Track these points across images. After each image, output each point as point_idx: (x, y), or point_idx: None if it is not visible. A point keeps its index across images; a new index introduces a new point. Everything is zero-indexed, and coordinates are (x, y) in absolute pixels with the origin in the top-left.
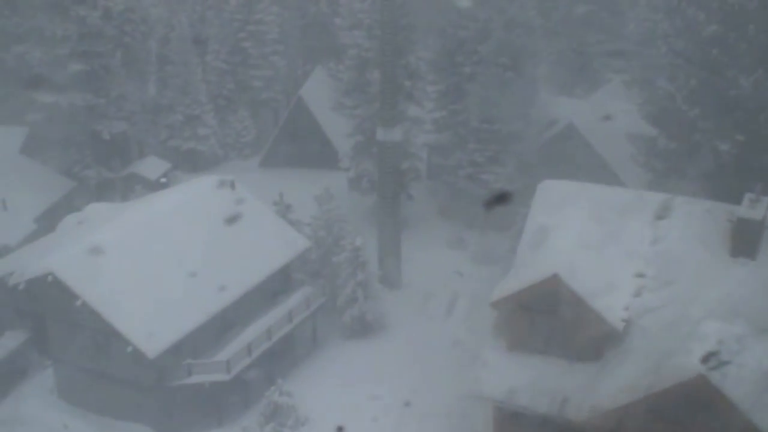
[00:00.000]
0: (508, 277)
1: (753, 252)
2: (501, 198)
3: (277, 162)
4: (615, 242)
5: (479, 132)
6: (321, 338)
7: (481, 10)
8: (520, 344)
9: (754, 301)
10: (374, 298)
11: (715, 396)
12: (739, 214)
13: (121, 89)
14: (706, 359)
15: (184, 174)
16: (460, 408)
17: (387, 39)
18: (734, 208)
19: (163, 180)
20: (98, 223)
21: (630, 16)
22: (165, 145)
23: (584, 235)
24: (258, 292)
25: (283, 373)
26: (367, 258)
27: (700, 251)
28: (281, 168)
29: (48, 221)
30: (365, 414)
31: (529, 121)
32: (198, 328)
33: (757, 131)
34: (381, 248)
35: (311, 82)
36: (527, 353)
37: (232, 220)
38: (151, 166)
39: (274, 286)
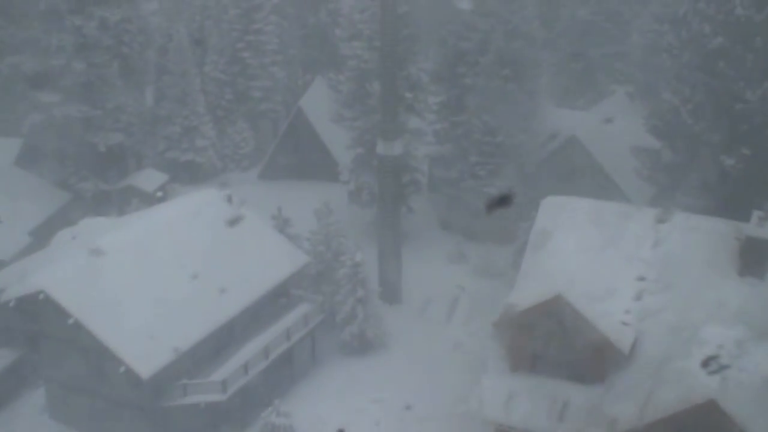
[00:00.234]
0: (510, 297)
1: (762, 272)
2: (503, 201)
3: (276, 174)
4: (618, 257)
5: (481, 144)
6: (320, 355)
7: (483, 21)
8: (522, 364)
9: (755, 306)
10: (374, 315)
11: (724, 421)
12: (748, 232)
13: (117, 100)
14: (706, 363)
15: (181, 186)
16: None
17: (387, 50)
18: (742, 225)
19: (160, 194)
20: (92, 239)
21: (634, 26)
22: (163, 157)
23: (587, 252)
24: (255, 310)
25: (281, 391)
26: (367, 274)
27: (707, 270)
28: (280, 180)
29: (43, 234)
30: (367, 417)
31: (531, 133)
32: (194, 347)
33: (763, 145)
34: (381, 263)
35: (311, 93)
36: (530, 374)
37: (228, 236)
38: (149, 178)
39: (272, 303)
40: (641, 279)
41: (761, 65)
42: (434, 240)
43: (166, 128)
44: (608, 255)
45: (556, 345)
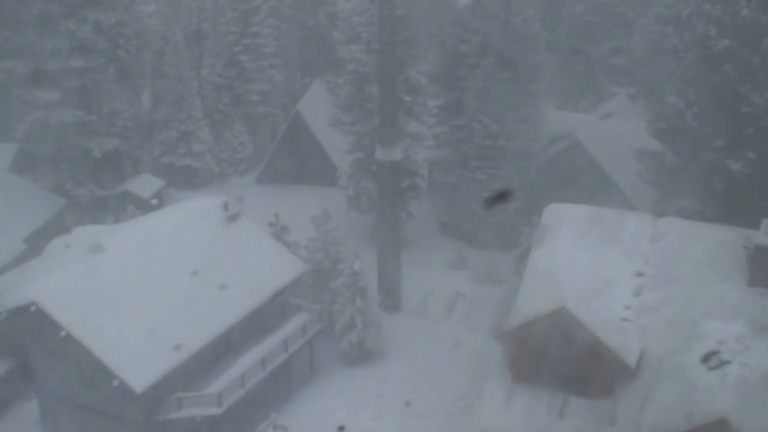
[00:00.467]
0: (513, 308)
1: None
2: (501, 198)
3: (274, 178)
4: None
5: (481, 148)
6: (318, 366)
7: (483, 23)
8: (525, 378)
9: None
10: (373, 324)
11: None
12: (757, 241)
13: (113, 105)
14: (706, 359)
15: (178, 192)
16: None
17: (386, 54)
18: (751, 233)
19: (155, 201)
20: (85, 249)
21: (636, 27)
22: (159, 162)
23: (586, 250)
24: (252, 320)
25: (278, 403)
26: (366, 282)
27: (715, 280)
28: (279, 184)
29: (38, 241)
30: (366, 413)
31: (532, 137)
32: (189, 360)
33: None
34: (380, 272)
35: (309, 96)
36: (533, 387)
37: (224, 246)
38: (145, 184)
39: (269, 313)
40: (640, 275)
41: None
42: (434, 246)
43: (163, 133)
44: (607, 252)
45: (560, 357)
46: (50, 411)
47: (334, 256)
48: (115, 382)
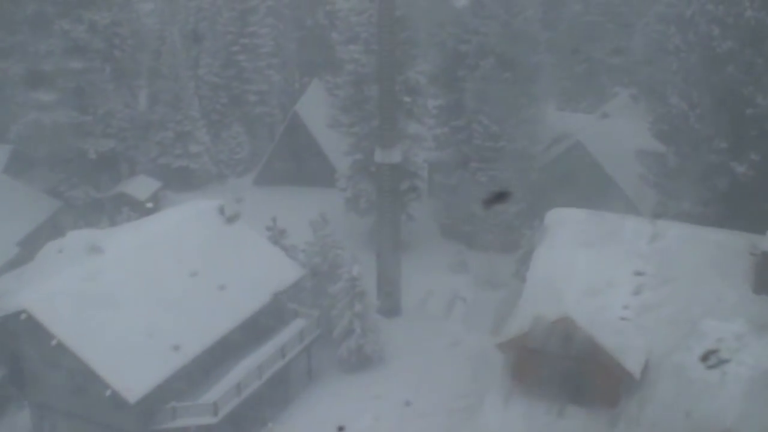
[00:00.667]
0: (515, 314)
1: None
2: (501, 197)
3: (272, 179)
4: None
5: (482, 150)
6: (316, 372)
7: (483, 23)
8: (528, 387)
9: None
10: (372, 330)
11: None
12: (764, 247)
13: (108, 106)
14: (705, 357)
15: (175, 193)
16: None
17: (385, 54)
18: (756, 238)
19: (150, 205)
20: (78, 253)
21: (637, 27)
22: (155, 163)
23: (596, 267)
24: (248, 326)
25: (275, 411)
26: (365, 287)
27: (719, 286)
28: (277, 186)
29: (32, 244)
30: (366, 413)
31: (534, 138)
32: (184, 367)
33: None
34: (380, 275)
35: (307, 97)
36: (535, 397)
37: (219, 251)
38: (141, 186)
39: (266, 319)
40: (639, 274)
41: None
42: (434, 248)
43: (159, 133)
44: (607, 251)
45: (563, 366)
46: (43, 420)
47: (332, 260)
48: (108, 392)
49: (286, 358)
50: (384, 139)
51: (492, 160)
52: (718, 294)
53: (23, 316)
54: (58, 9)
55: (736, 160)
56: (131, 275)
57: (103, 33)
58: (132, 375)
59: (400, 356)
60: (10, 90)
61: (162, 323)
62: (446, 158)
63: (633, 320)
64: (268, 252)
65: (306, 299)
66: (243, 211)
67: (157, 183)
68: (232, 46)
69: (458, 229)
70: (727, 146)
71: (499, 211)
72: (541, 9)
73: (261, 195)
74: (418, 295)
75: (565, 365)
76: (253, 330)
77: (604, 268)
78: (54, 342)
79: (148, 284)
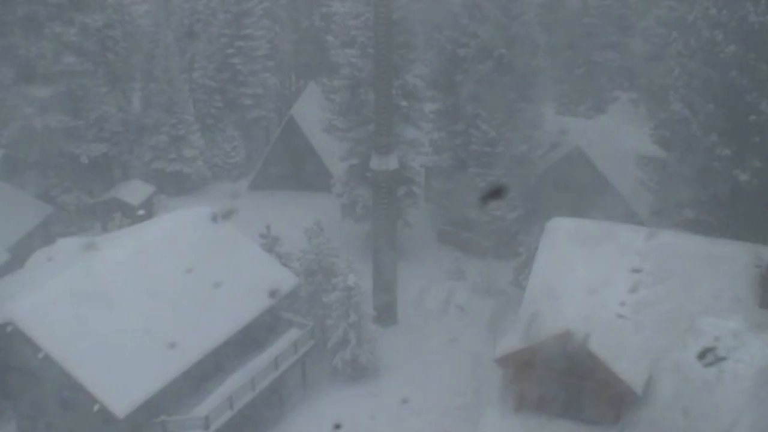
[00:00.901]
0: (514, 329)
1: None
2: (495, 193)
3: (267, 184)
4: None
5: (480, 155)
6: (311, 384)
7: (482, 27)
8: (528, 405)
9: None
10: (368, 340)
11: None
12: None
13: (101, 109)
14: (702, 355)
15: (169, 198)
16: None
17: (381, 58)
18: (762, 250)
19: (141, 212)
20: (66, 264)
21: (637, 30)
22: (149, 167)
23: (593, 265)
24: (241, 337)
25: (269, 425)
26: (361, 297)
27: (725, 300)
28: (272, 190)
29: (23, 250)
30: (362, 411)
31: (532, 143)
32: (174, 381)
33: None
34: (376, 284)
35: (303, 100)
36: (536, 415)
37: (212, 258)
38: (134, 191)
39: (259, 329)
40: (636, 271)
41: None
42: (431, 255)
43: (153, 137)
44: (604, 249)
45: (564, 383)
46: None
47: (327, 269)
48: (96, 407)
49: (279, 370)
50: (380, 146)
51: (490, 165)
52: (715, 291)
53: (9, 329)
54: (49, 11)
55: (739, 168)
56: (122, 284)
57: (96, 35)
58: (121, 389)
59: (396, 366)
60: (1, 93)
61: (154, 332)
62: (443, 163)
63: (630, 318)
64: (262, 260)
65: (300, 308)
66: (237, 216)
67: (150, 188)
68: (227, 49)
69: (455, 235)
70: (730, 153)
71: (497, 217)
72: (539, 11)
73: (256, 200)
74: (415, 303)
75: (566, 381)
76: (246, 340)
77: (601, 266)
78: (41, 355)
79: (138, 292)
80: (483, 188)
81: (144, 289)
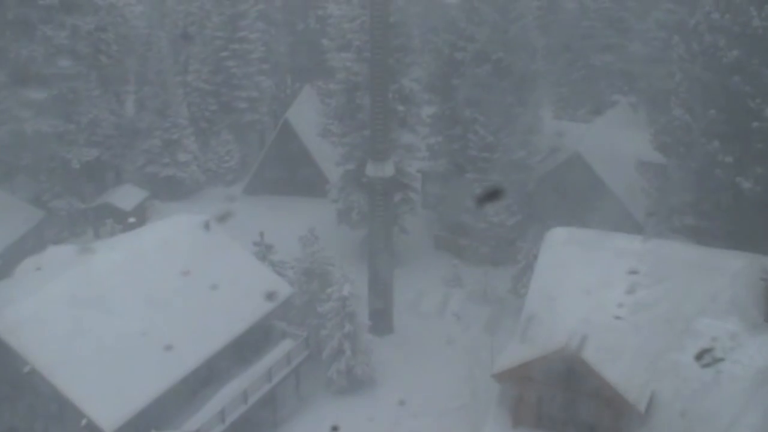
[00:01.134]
0: (513, 343)
1: None
2: (493, 195)
3: (262, 189)
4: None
5: (477, 160)
6: (306, 396)
7: (480, 30)
8: (526, 420)
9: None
10: (363, 350)
11: None
12: None
13: (94, 113)
14: (700, 356)
15: (162, 203)
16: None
17: (377, 62)
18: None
19: (132, 219)
20: (56, 273)
21: (637, 32)
22: (142, 172)
23: (591, 267)
24: (234, 347)
25: None
26: (356, 305)
27: (730, 315)
28: (267, 195)
29: (14, 256)
30: (360, 413)
31: (531, 148)
32: (165, 393)
33: None
34: (371, 293)
35: (299, 103)
36: (535, 430)
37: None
38: (127, 196)
39: (252, 340)
40: (633, 272)
41: None
42: (428, 262)
43: (146, 141)
44: (601, 251)
45: (564, 399)
46: None
47: (321, 278)
48: (84, 421)
49: (273, 381)
50: (376, 152)
51: (487, 170)
52: (713, 292)
53: None
54: (40, 14)
55: (742, 175)
56: (114, 290)
57: (88, 38)
58: (110, 402)
59: (392, 376)
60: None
61: (146, 342)
62: (440, 168)
63: (627, 319)
64: (255, 269)
65: (295, 318)
66: (231, 221)
67: (143, 192)
68: (221, 52)
69: (453, 241)
70: (732, 160)
71: (495, 223)
72: (538, 14)
73: (251, 205)
74: (411, 311)
75: (566, 397)
76: (239, 351)
77: (599, 269)
78: (27, 368)
79: (132, 300)
80: (480, 191)
81: (137, 296)
